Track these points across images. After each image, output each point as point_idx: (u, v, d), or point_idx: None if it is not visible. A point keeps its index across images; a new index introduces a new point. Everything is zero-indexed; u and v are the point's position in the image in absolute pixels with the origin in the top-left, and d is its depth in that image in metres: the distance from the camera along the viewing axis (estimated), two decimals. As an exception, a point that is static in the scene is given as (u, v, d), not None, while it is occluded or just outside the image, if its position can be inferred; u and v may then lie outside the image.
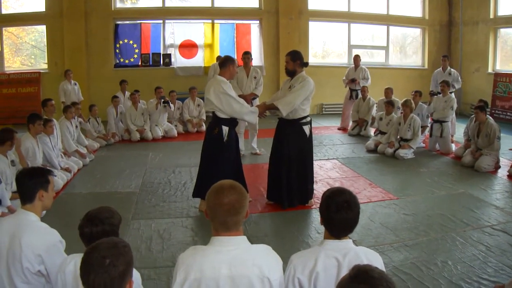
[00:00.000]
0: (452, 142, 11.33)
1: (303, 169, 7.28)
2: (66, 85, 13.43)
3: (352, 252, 2.83)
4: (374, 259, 2.84)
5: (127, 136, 12.83)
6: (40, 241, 3.50)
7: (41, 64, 16.81)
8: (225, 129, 6.87)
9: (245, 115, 6.97)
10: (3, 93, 15.75)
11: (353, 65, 14.21)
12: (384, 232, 6.27)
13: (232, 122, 7.01)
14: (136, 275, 3.18)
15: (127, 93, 13.73)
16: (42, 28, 16.38)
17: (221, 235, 2.74)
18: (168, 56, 16.54)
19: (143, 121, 12.90)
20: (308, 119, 7.31)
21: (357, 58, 14.16)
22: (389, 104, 11.72)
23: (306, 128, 7.26)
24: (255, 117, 7.28)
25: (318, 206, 3.15)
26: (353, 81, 13.89)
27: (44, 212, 6.69)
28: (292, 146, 7.19)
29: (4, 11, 16.07)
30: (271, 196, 7.46)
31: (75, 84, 13.71)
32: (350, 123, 13.78)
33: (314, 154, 10.20)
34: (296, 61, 7.16)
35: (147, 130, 12.78)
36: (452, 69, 13.13)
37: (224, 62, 7.04)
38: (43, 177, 3.71)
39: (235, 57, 15.44)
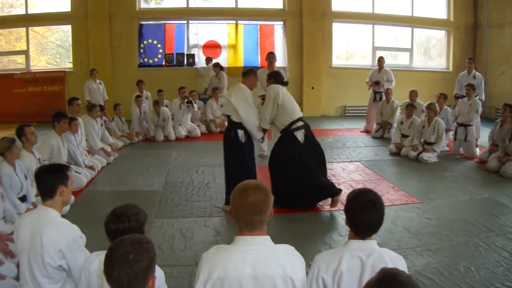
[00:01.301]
0: (477, 146, 11.19)
1: (306, 171, 7.23)
2: (91, 84, 13.57)
3: (376, 253, 2.84)
4: (398, 261, 2.85)
5: (150, 135, 12.91)
6: (61, 236, 3.55)
7: (66, 63, 17.04)
8: (241, 132, 7.08)
9: (254, 127, 7.18)
10: (29, 92, 16.00)
11: (377, 67, 14.09)
12: (407, 236, 6.22)
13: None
14: (159, 273, 3.21)
15: (145, 93, 13.84)
16: (67, 28, 16.63)
17: (245, 235, 2.75)
18: (192, 56, 16.61)
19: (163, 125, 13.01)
20: (299, 124, 7.35)
21: (381, 60, 14.04)
22: (410, 107, 11.61)
23: (298, 134, 7.29)
24: (260, 135, 7.45)
25: (342, 208, 3.15)
26: (377, 83, 13.77)
27: (68, 208, 6.83)
28: (283, 153, 7.30)
29: (30, 11, 16.30)
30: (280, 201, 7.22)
31: (100, 83, 13.84)
32: (374, 126, 13.70)
33: (337, 156, 10.22)
34: (269, 80, 7.58)
35: (170, 131, 12.86)
36: (477, 72, 12.96)
37: (248, 72, 7.35)
38: (62, 172, 3.77)
39: (259, 58, 15.60)
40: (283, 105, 7.24)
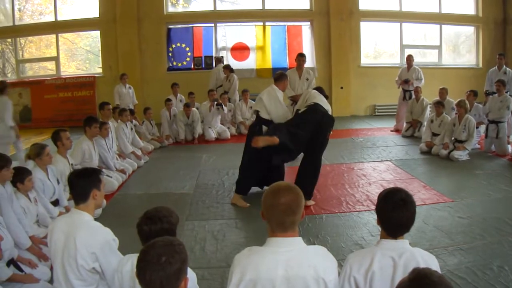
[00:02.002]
0: (509, 143, 11.00)
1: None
2: (121, 88, 13.71)
3: (408, 252, 2.84)
4: (430, 261, 2.84)
5: (180, 138, 12.98)
6: (94, 239, 3.60)
7: (96, 69, 17.31)
8: (265, 128, 7.52)
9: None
10: (60, 97, 16.29)
11: (406, 65, 13.98)
12: (439, 235, 6.16)
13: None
14: (191, 274, 3.24)
15: (179, 96, 13.94)
16: (96, 33, 16.92)
17: (277, 236, 2.77)
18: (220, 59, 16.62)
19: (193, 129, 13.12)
20: None
21: (410, 58, 13.91)
22: (438, 105, 11.49)
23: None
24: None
25: (373, 208, 3.16)
26: (406, 81, 13.66)
27: (100, 211, 6.93)
28: None
29: (59, 18, 16.60)
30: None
31: (130, 87, 13.99)
32: (404, 125, 13.61)
33: (367, 156, 10.21)
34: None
35: (198, 131, 13.04)
36: (508, 68, 12.78)
37: (281, 77, 7.94)
38: (95, 176, 3.83)
39: (287, 59, 15.62)
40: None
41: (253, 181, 7.83)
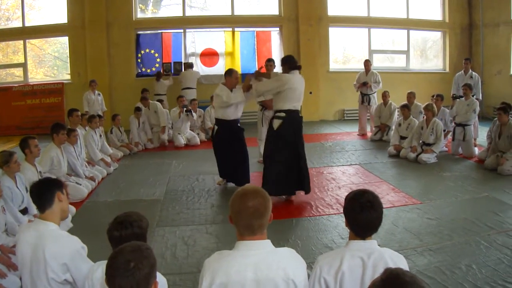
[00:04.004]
0: (475, 145, 11.21)
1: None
2: (90, 95, 13.63)
3: (376, 253, 2.87)
4: (399, 261, 2.88)
5: (150, 145, 12.99)
6: (64, 249, 3.54)
7: (64, 75, 17.11)
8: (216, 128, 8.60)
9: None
10: (28, 104, 16.05)
11: (364, 70, 14.13)
12: (408, 236, 6.23)
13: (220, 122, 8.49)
14: (162, 281, 3.22)
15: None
16: (65, 39, 16.72)
17: (246, 239, 2.78)
18: (190, 65, 16.56)
19: (157, 119, 13.27)
20: (281, 114, 7.59)
21: (367, 62, 14.13)
22: (405, 108, 11.67)
23: (275, 122, 7.61)
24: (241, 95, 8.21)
25: (342, 211, 3.19)
26: (364, 84, 13.80)
27: (70, 219, 6.85)
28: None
29: (27, 24, 16.38)
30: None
31: (99, 94, 13.91)
32: (368, 128, 13.73)
33: (336, 160, 10.29)
34: (284, 65, 7.72)
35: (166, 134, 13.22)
36: (474, 72, 13.02)
37: (227, 72, 8.58)
38: (56, 181, 3.84)
39: (256, 64, 15.66)
40: (280, 93, 7.53)
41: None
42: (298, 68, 7.67)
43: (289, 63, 7.63)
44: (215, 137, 8.66)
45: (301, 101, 7.80)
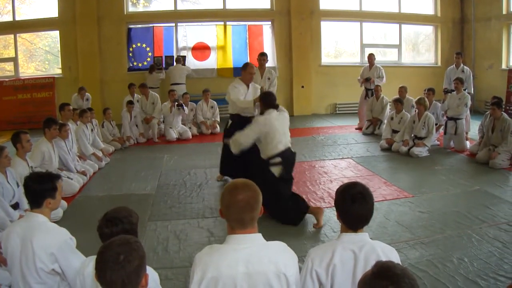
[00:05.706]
0: (467, 139, 11.25)
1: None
2: (79, 101, 13.48)
3: (368, 245, 2.88)
4: (391, 253, 2.89)
5: (142, 139, 13.00)
6: (51, 240, 3.57)
7: (55, 69, 16.99)
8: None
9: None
10: (19, 99, 15.92)
11: (368, 64, 14.16)
12: (400, 230, 6.25)
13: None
14: (154, 275, 3.22)
15: (137, 96, 13.76)
16: (56, 33, 16.56)
17: (237, 233, 2.78)
18: (183, 58, 16.49)
19: (152, 110, 13.39)
20: (277, 160, 6.78)
21: (371, 56, 14.08)
22: (397, 102, 11.69)
23: (275, 170, 6.80)
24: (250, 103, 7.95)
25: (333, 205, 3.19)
26: (367, 80, 13.82)
27: (61, 213, 6.83)
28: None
29: (17, 18, 16.24)
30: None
31: (87, 99, 13.78)
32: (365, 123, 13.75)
33: (328, 154, 10.30)
34: (260, 101, 7.20)
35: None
36: (465, 66, 13.04)
37: (243, 66, 8.45)
38: (50, 183, 3.80)
39: (248, 58, 15.59)
40: (265, 138, 6.79)
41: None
42: (275, 107, 6.95)
43: (265, 100, 7.04)
44: (229, 131, 7.95)
45: (288, 136, 7.06)
